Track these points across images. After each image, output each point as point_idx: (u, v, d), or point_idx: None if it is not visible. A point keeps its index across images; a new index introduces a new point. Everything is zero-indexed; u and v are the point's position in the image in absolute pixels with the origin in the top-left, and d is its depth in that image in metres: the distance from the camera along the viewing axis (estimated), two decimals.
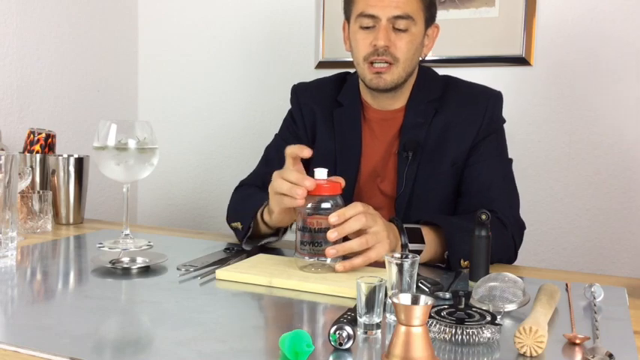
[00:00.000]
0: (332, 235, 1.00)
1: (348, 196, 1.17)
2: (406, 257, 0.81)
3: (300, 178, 1.02)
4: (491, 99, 1.36)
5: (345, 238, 1.04)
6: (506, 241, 1.23)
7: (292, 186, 1.02)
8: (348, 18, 1.35)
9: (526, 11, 1.86)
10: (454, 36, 1.95)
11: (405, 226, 1.14)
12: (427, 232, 1.16)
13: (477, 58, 1.93)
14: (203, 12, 2.32)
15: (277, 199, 1.07)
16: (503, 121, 1.38)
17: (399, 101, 1.37)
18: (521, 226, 1.31)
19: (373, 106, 1.38)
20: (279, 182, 1.05)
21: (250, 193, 1.36)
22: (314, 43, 2.13)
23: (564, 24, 1.85)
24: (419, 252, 1.12)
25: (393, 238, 1.08)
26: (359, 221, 1.01)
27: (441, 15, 1.96)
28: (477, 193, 1.30)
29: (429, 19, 1.32)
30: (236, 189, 1.44)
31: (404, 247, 1.12)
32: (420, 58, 1.35)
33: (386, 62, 1.26)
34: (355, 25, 1.29)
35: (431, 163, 1.32)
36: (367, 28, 1.27)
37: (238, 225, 1.27)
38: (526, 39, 1.87)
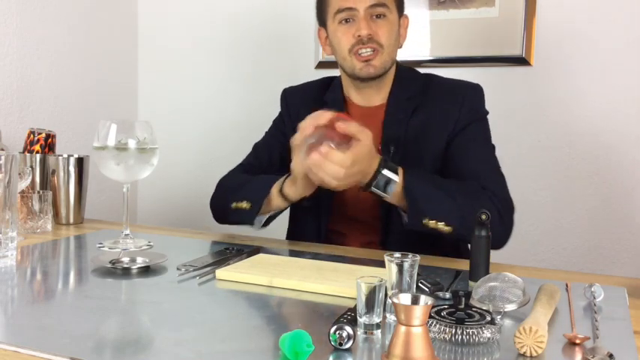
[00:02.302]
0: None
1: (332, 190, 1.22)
2: (406, 257, 0.81)
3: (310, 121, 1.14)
4: (469, 91, 1.38)
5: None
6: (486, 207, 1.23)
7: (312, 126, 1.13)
8: (323, 21, 1.39)
9: (526, 11, 1.86)
10: (454, 36, 1.95)
11: (383, 172, 1.19)
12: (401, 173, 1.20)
13: (477, 58, 1.93)
14: (203, 12, 2.32)
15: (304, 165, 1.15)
16: (486, 112, 1.39)
17: (380, 95, 1.40)
18: (510, 206, 1.29)
19: (355, 102, 1.42)
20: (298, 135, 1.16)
21: (253, 177, 1.39)
22: (314, 43, 2.13)
23: (564, 24, 1.85)
24: (391, 181, 1.17)
25: (356, 174, 1.14)
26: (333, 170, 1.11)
27: (441, 15, 1.97)
28: (462, 174, 1.30)
29: (400, 9, 1.37)
30: (224, 177, 1.47)
31: (380, 164, 1.17)
32: (409, 57, 1.38)
33: (372, 49, 1.30)
34: (334, 24, 1.34)
35: (413, 157, 1.33)
36: (347, 22, 1.32)
37: (243, 204, 1.29)
38: (526, 39, 1.87)
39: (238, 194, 1.33)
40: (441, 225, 1.16)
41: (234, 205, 1.32)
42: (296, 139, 1.16)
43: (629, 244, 1.82)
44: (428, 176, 1.24)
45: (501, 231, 1.24)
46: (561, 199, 1.89)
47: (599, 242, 1.85)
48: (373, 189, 1.18)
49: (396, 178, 1.17)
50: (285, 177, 1.27)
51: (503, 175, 1.33)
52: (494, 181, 1.29)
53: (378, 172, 1.16)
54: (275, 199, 1.29)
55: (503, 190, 1.30)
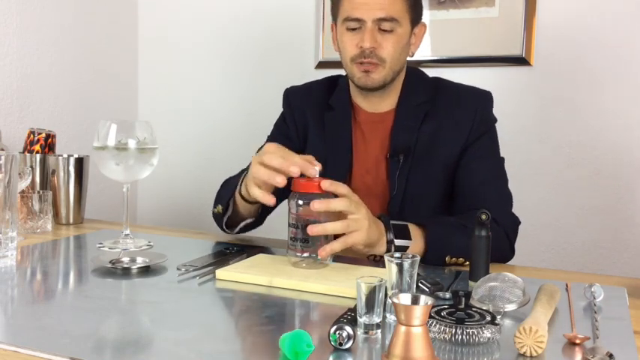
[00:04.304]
0: (313, 229, 1.00)
1: None
2: (406, 257, 0.81)
3: (284, 165, 1.02)
4: (481, 100, 1.36)
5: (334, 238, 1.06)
6: (499, 239, 1.23)
7: (271, 173, 1.03)
8: (335, 20, 1.36)
9: (526, 11, 1.86)
10: (454, 36, 1.95)
11: (392, 222, 1.15)
12: (414, 229, 1.17)
13: (477, 58, 1.93)
14: (203, 12, 2.32)
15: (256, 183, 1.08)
16: (495, 120, 1.38)
17: (388, 102, 1.37)
18: (514, 223, 1.30)
19: (363, 108, 1.40)
20: (256, 169, 1.06)
21: (230, 179, 1.36)
22: (314, 43, 2.13)
23: (564, 24, 1.85)
24: (405, 248, 1.14)
25: (375, 231, 1.09)
26: (342, 202, 1.03)
27: (441, 15, 1.97)
28: (469, 192, 1.31)
29: (415, 19, 1.33)
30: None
31: (389, 242, 1.13)
32: (408, 58, 1.35)
33: (373, 63, 1.28)
34: (342, 28, 1.31)
35: (422, 166, 1.32)
36: (353, 29, 1.29)
37: (219, 208, 1.28)
38: (526, 39, 1.87)
39: (217, 199, 1.33)
40: (460, 260, 1.16)
41: (214, 210, 1.31)
42: (256, 170, 1.07)
43: (629, 244, 1.82)
44: (443, 220, 1.21)
45: (508, 253, 1.27)
46: (561, 199, 1.89)
47: (599, 242, 1.85)
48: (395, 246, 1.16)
49: (409, 243, 1.15)
50: (243, 177, 1.19)
51: (510, 192, 1.33)
52: (500, 203, 1.29)
53: (391, 242, 1.14)
54: (239, 202, 1.24)
55: (509, 211, 1.31)
